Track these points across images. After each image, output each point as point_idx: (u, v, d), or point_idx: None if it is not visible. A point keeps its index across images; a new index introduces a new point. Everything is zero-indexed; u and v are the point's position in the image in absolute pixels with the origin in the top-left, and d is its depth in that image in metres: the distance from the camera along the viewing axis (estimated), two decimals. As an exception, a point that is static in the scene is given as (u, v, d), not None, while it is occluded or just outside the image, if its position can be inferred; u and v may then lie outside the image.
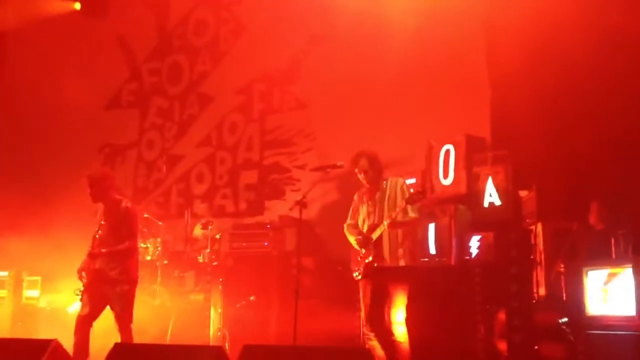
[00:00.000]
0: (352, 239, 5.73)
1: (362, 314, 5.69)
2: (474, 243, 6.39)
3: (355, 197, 5.88)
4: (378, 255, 5.50)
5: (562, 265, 6.05)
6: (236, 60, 10.15)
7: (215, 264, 8.05)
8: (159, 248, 8.09)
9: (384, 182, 5.68)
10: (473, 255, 6.36)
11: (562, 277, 6.03)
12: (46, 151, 10.71)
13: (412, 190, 5.52)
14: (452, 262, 6.49)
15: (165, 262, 8.08)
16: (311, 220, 8.26)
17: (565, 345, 5.65)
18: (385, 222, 5.44)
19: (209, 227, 8.34)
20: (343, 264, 7.86)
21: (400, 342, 5.42)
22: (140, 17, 10.78)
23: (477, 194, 6.72)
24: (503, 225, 6.26)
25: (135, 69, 10.98)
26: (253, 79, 9.94)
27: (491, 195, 6.62)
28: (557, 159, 6.81)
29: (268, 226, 8.33)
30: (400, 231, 5.52)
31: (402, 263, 5.49)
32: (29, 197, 10.17)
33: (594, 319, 5.37)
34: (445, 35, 8.24)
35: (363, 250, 5.59)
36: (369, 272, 5.55)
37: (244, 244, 8.23)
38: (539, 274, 6.25)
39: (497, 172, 6.62)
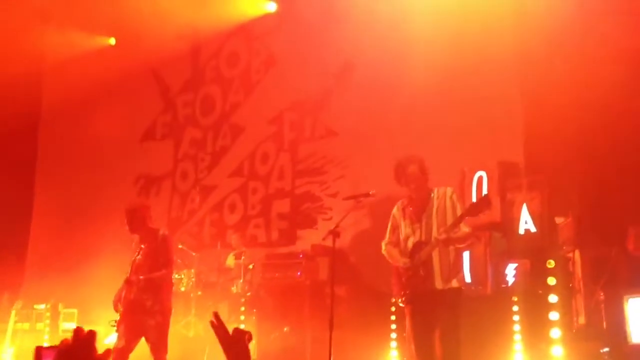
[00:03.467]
0: (393, 260, 5.14)
1: (412, 347, 5.01)
2: (510, 271, 6.28)
3: (395, 211, 5.25)
4: (428, 277, 4.88)
5: (602, 293, 5.91)
6: (267, 90, 10.25)
7: (248, 294, 8.06)
8: (193, 279, 8.14)
9: (431, 192, 5.08)
10: (510, 284, 6.25)
11: (602, 305, 5.88)
12: (83, 184, 10.88)
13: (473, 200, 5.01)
14: (488, 291, 6.38)
15: (199, 293, 8.12)
16: (344, 248, 8.22)
17: (607, 376, 5.49)
18: (439, 238, 4.81)
19: (242, 257, 8.37)
20: (378, 292, 7.83)
21: None
22: (174, 50, 10.97)
23: (512, 221, 6.63)
24: (540, 253, 6.14)
25: (169, 101, 11.17)
26: (284, 109, 10.02)
27: (526, 222, 6.52)
28: (594, 184, 6.68)
29: (301, 256, 8.31)
30: (452, 248, 4.96)
31: (455, 284, 4.93)
32: (65, 230, 10.35)
33: (636, 348, 5.21)
34: (476, 60, 8.21)
35: (409, 272, 4.97)
36: (418, 297, 4.95)
37: (277, 274, 8.21)
38: (578, 302, 6.10)
39: (532, 198, 6.52)
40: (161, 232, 6.25)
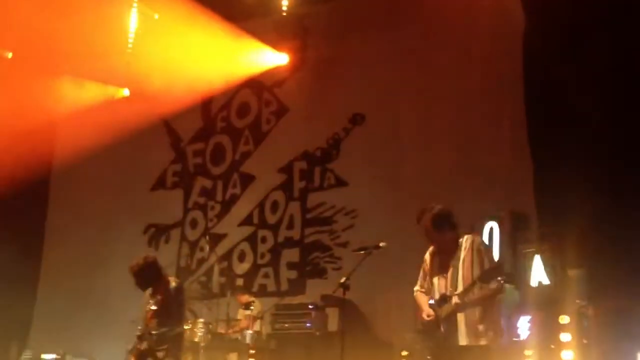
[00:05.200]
0: (419, 308, 4.92)
1: None
2: (523, 324, 6.19)
3: (427, 256, 5.03)
4: (451, 332, 4.66)
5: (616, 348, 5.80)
6: (277, 139, 10.34)
7: (257, 345, 7.97)
8: (202, 329, 8.06)
9: (459, 241, 4.84)
10: (523, 337, 6.15)
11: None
12: (93, 232, 10.88)
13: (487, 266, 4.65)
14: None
15: (208, 344, 8.02)
16: (353, 299, 8.11)
17: None
18: (454, 300, 4.63)
19: (251, 307, 8.31)
20: (389, 344, 7.74)
21: None
22: (186, 101, 11.10)
23: (524, 273, 6.55)
24: (553, 306, 6.06)
25: (180, 151, 11.25)
26: (294, 158, 10.08)
27: (539, 274, 6.43)
28: (608, 235, 6.61)
29: (310, 306, 8.26)
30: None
31: (482, 342, 4.62)
32: (74, 279, 10.33)
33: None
34: (484, 108, 8.33)
35: (432, 325, 4.75)
36: (441, 352, 4.72)
37: (286, 325, 8.17)
38: (593, 357, 5.98)
39: (544, 249, 6.46)
40: (173, 284, 6.26)
